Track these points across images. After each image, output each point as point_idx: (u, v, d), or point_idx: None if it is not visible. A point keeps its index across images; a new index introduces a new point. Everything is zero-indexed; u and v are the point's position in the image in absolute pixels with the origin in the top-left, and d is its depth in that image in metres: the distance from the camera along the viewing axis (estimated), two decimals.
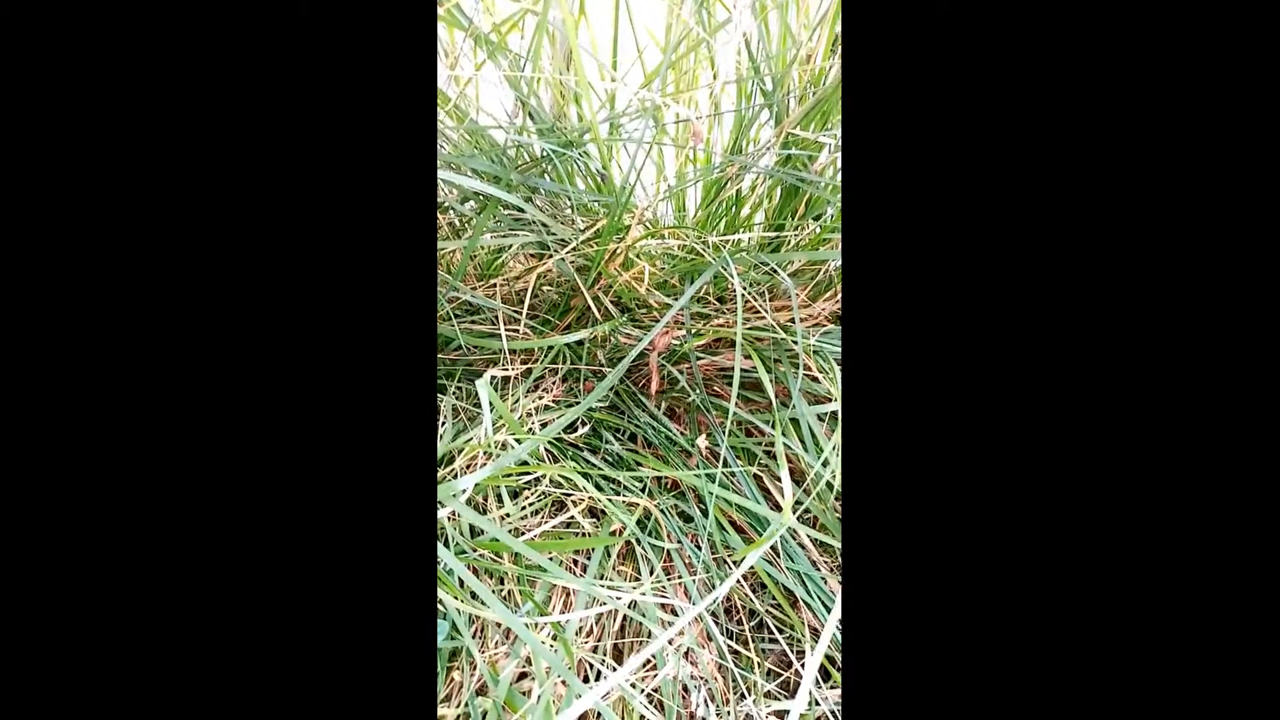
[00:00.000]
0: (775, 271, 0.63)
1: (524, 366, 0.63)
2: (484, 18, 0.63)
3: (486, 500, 0.54)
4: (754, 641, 0.54)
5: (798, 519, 0.53)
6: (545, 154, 0.64)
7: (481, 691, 0.43)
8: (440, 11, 0.60)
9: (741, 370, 0.61)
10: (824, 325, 0.66)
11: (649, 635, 0.50)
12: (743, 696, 0.50)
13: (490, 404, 0.52)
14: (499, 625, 0.47)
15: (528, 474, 0.55)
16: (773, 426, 0.55)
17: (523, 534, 0.53)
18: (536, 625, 0.45)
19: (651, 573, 0.53)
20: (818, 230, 0.68)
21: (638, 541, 0.54)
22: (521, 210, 0.63)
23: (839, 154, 0.63)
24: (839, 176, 0.65)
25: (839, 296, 0.69)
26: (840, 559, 0.56)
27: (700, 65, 0.65)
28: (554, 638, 0.46)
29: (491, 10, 0.64)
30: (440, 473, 0.53)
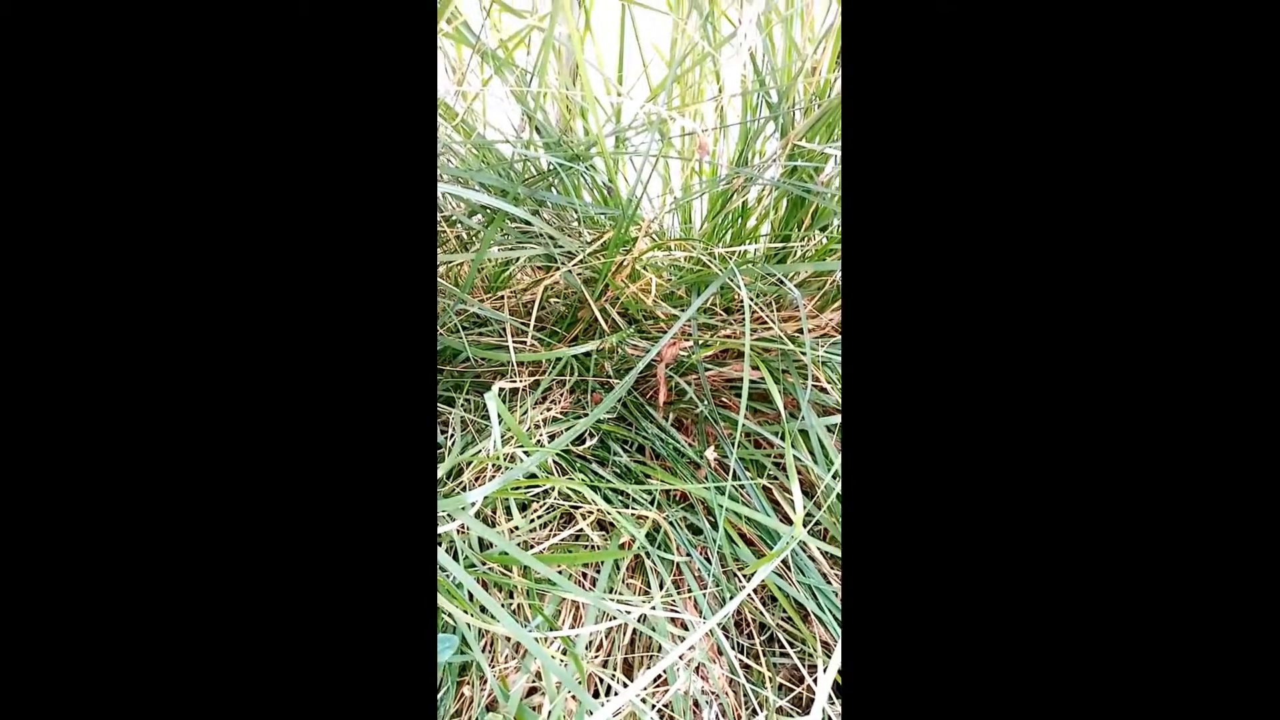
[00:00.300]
0: (782, 282, 0.63)
1: (532, 379, 0.63)
2: (491, 34, 0.63)
3: (495, 513, 0.54)
4: (765, 656, 0.53)
5: (808, 532, 0.53)
6: (552, 167, 0.64)
7: (492, 707, 0.43)
8: (448, 29, 0.60)
9: (749, 381, 0.61)
10: (831, 336, 0.66)
11: (659, 649, 0.50)
12: (754, 712, 0.50)
13: (499, 416, 0.52)
14: (509, 639, 0.46)
15: (536, 487, 0.55)
16: (781, 438, 0.55)
17: (531, 547, 0.52)
18: (546, 640, 0.45)
19: (661, 586, 0.52)
20: (824, 241, 0.68)
21: (647, 555, 0.54)
22: (529, 223, 0.63)
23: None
24: None
25: None
26: (841, 571, 0.55)
27: (706, 79, 0.65)
28: (564, 652, 0.46)
29: (498, 26, 0.65)
30: (449, 486, 0.53)
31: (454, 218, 0.66)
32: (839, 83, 0.60)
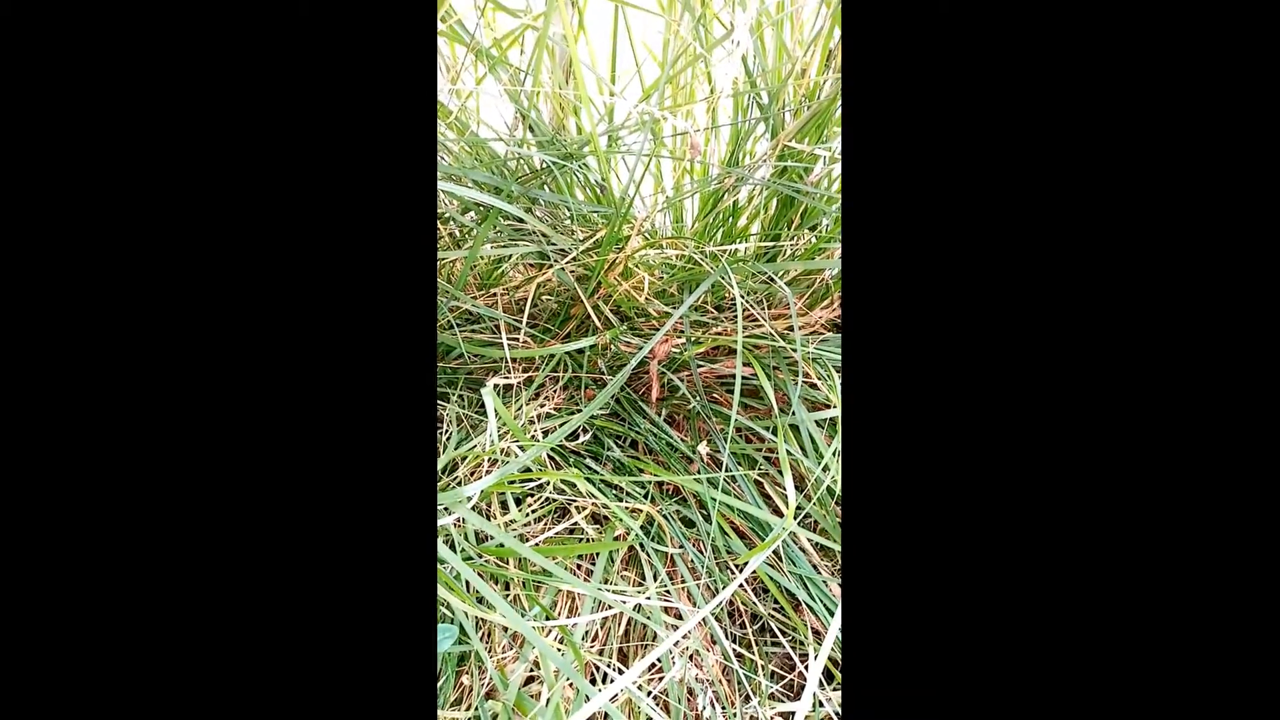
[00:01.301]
0: (773, 280, 0.64)
1: (525, 375, 0.64)
2: (485, 33, 0.64)
3: (490, 507, 0.55)
4: (758, 644, 0.54)
5: (798, 523, 0.54)
6: (545, 166, 0.65)
7: (491, 695, 0.43)
8: (442, 27, 0.61)
9: (741, 377, 0.62)
10: (821, 333, 0.67)
11: (654, 639, 0.51)
12: (748, 698, 0.51)
13: (495, 412, 0.53)
14: (506, 630, 0.47)
15: (532, 480, 0.56)
16: (773, 433, 0.56)
17: (527, 540, 0.53)
18: (544, 629, 0.45)
19: (655, 578, 0.53)
20: (814, 240, 0.69)
21: (641, 547, 0.55)
22: (522, 221, 0.64)
23: (834, 166, 0.64)
24: (834, 188, 0.67)
25: (835, 305, 0.70)
26: (840, 561, 0.57)
27: (697, 80, 0.66)
28: (561, 641, 0.47)
29: (492, 25, 0.66)
30: (444, 480, 0.54)
31: (447, 215, 0.67)
32: (828, 84, 0.61)
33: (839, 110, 0.61)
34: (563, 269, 0.63)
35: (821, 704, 0.48)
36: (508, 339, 0.63)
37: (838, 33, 0.60)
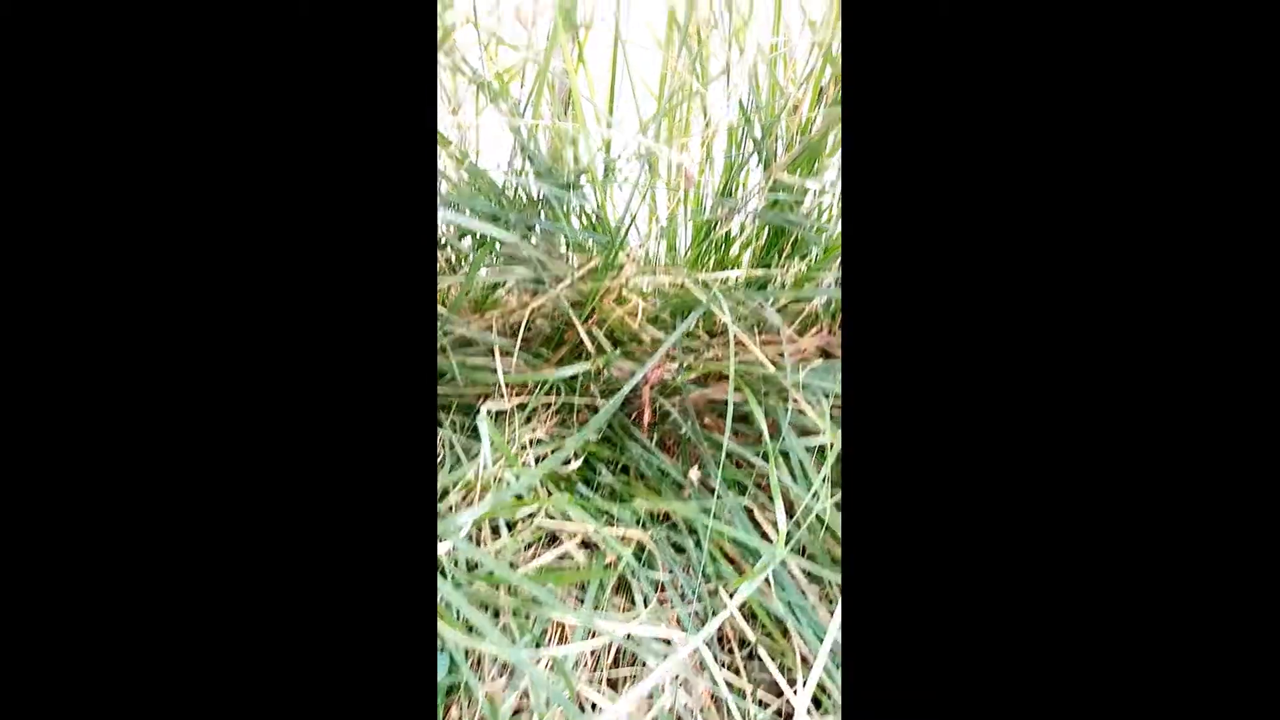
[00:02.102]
0: (763, 308, 0.66)
1: (518, 400, 0.65)
2: (487, 66, 0.65)
3: (481, 534, 0.55)
4: (746, 670, 0.55)
5: (788, 550, 0.54)
6: (542, 195, 0.66)
7: None
8: (446, 61, 0.62)
9: (732, 403, 0.63)
10: (810, 360, 0.69)
11: (643, 665, 0.51)
12: None
13: (490, 439, 0.53)
14: (495, 658, 0.47)
15: (525, 507, 0.56)
16: (764, 459, 0.57)
17: (517, 567, 0.53)
18: (537, 659, 0.46)
19: (646, 604, 0.54)
20: (804, 269, 0.71)
21: (633, 574, 0.55)
22: (518, 248, 0.65)
23: (824, 197, 0.66)
24: (824, 218, 0.68)
25: (825, 331, 0.71)
26: (841, 568, 0.57)
27: (693, 113, 0.68)
28: (552, 669, 0.47)
29: (494, 58, 0.67)
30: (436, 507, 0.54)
31: (445, 241, 0.68)
32: (819, 120, 0.63)
33: (830, 144, 0.63)
34: (558, 295, 0.64)
35: None
36: (501, 363, 0.64)
37: (829, 71, 0.62)
